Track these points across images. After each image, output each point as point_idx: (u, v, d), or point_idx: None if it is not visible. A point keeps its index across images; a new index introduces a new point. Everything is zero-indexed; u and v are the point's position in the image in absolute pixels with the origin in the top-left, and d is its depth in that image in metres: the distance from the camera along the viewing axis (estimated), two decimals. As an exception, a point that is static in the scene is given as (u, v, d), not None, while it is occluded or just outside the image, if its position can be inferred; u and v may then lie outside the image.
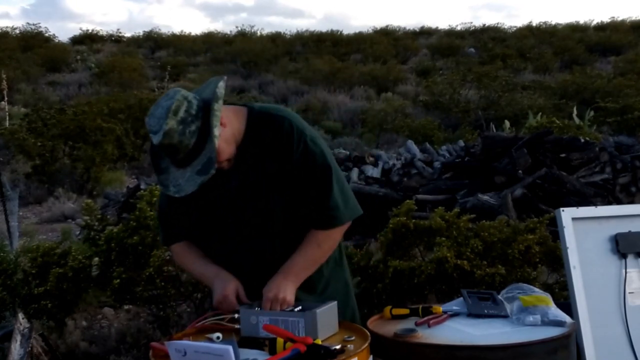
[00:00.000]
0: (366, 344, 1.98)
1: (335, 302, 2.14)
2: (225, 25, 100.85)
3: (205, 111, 2.08)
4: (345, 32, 31.86)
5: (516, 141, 7.69)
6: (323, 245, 2.27)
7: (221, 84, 2.12)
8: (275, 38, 30.89)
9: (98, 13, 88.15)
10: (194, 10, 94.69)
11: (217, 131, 2.06)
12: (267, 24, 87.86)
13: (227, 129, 2.14)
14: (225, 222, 2.29)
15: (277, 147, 2.20)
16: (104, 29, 32.91)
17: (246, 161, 2.21)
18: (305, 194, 2.22)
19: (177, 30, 34.34)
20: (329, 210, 2.24)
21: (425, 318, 2.23)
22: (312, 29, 32.98)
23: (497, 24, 43.96)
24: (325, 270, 2.36)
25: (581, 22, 35.37)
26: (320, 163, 2.23)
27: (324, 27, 31.50)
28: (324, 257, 2.30)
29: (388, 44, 28.25)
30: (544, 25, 33.39)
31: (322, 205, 2.23)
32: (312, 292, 2.32)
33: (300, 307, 2.12)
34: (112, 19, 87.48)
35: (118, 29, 43.62)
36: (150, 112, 2.10)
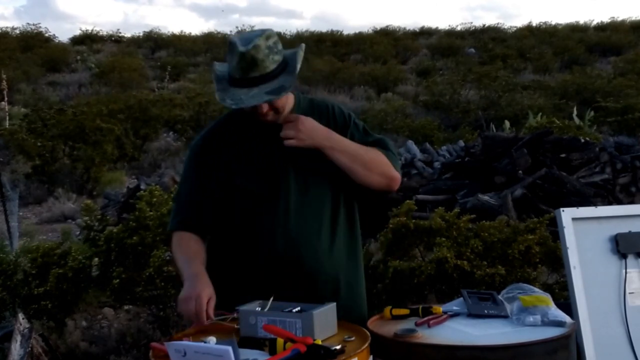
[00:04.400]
0: (366, 344, 1.98)
1: (334, 304, 2.13)
2: (218, 26, 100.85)
3: (286, 55, 2.24)
4: (344, 32, 31.89)
5: (516, 141, 7.70)
6: (370, 153, 2.31)
7: (302, 45, 2.29)
8: (275, 38, 30.82)
9: (91, 14, 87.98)
10: (187, 12, 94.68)
11: (298, 68, 2.21)
12: (260, 24, 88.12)
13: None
14: (258, 200, 2.28)
15: (326, 125, 2.30)
16: (100, 30, 32.62)
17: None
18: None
19: (170, 31, 34.23)
20: (387, 149, 2.36)
21: (425, 318, 2.23)
22: (306, 30, 32.94)
23: (497, 24, 44.01)
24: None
25: (581, 22, 35.39)
26: (370, 131, 2.41)
27: (317, 29, 31.49)
28: (363, 168, 2.29)
29: (388, 44, 28.24)
30: (544, 25, 33.40)
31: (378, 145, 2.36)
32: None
33: (298, 308, 2.12)
34: (106, 19, 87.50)
35: (118, 29, 43.55)
36: (238, 36, 2.23)
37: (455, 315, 2.29)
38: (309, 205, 2.30)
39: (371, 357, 2.01)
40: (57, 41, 29.55)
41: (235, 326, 2.15)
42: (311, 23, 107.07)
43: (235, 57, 2.16)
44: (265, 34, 2.19)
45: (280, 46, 2.22)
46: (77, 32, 37.11)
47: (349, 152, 2.28)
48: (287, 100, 2.30)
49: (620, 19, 34.07)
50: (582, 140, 7.89)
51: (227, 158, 2.31)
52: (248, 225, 2.30)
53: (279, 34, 2.32)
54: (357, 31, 32.28)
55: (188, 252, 2.29)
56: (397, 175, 2.35)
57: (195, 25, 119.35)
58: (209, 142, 2.36)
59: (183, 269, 2.25)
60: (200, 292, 2.12)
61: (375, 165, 2.30)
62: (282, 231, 2.27)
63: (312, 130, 2.24)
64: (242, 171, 2.30)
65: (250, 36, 2.19)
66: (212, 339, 1.99)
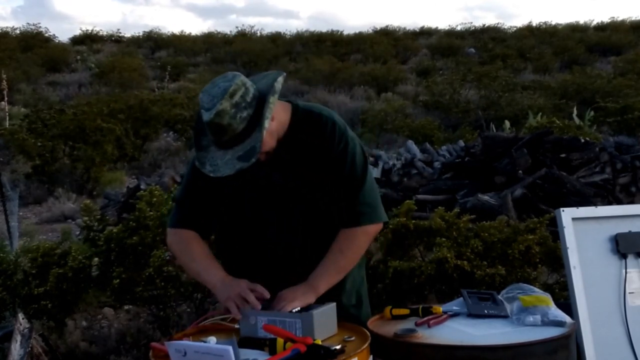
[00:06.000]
0: (366, 344, 1.98)
1: (334, 304, 2.13)
2: (216, 26, 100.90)
3: (259, 101, 2.09)
4: (344, 32, 31.89)
5: (516, 141, 7.69)
6: (346, 251, 2.26)
7: (280, 79, 2.13)
8: (276, 38, 30.86)
9: (88, 14, 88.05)
10: (184, 12, 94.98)
11: (267, 123, 2.07)
12: (258, 24, 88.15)
13: (274, 122, 2.15)
14: (258, 215, 2.27)
15: (319, 145, 2.23)
16: (100, 30, 32.58)
17: (288, 157, 2.21)
18: (339, 190, 2.24)
19: (170, 31, 34.27)
20: (358, 206, 2.25)
21: (425, 318, 2.23)
22: (306, 30, 32.89)
23: (497, 24, 44.02)
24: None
25: (581, 22, 35.39)
26: (357, 161, 2.26)
27: (315, 29, 31.50)
28: (349, 265, 2.28)
29: (388, 44, 28.24)
30: (544, 25, 33.40)
31: (352, 200, 2.25)
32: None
33: (298, 308, 2.12)
34: (103, 19, 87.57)
35: (118, 29, 43.52)
36: (205, 89, 2.10)
37: (455, 315, 2.29)
38: (311, 216, 2.26)
39: (371, 357, 2.01)
40: (57, 41, 29.57)
41: (235, 326, 2.16)
42: (309, 23, 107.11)
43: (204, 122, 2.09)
44: (229, 91, 2.04)
45: (250, 95, 2.07)
46: (76, 32, 37.16)
47: (335, 279, 2.25)
48: (279, 116, 2.18)
49: (620, 19, 34.11)
50: (582, 140, 7.88)
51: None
52: (251, 228, 2.30)
53: (279, 33, 2.24)
54: (355, 31, 32.29)
55: (200, 256, 2.30)
56: (375, 230, 2.32)
57: (193, 25, 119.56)
58: None
59: (206, 275, 2.28)
60: (240, 283, 2.17)
61: (356, 256, 2.31)
62: (284, 241, 2.27)
63: (301, 300, 2.13)
64: (233, 194, 2.26)
65: (214, 97, 2.04)
66: (212, 339, 2.00)
